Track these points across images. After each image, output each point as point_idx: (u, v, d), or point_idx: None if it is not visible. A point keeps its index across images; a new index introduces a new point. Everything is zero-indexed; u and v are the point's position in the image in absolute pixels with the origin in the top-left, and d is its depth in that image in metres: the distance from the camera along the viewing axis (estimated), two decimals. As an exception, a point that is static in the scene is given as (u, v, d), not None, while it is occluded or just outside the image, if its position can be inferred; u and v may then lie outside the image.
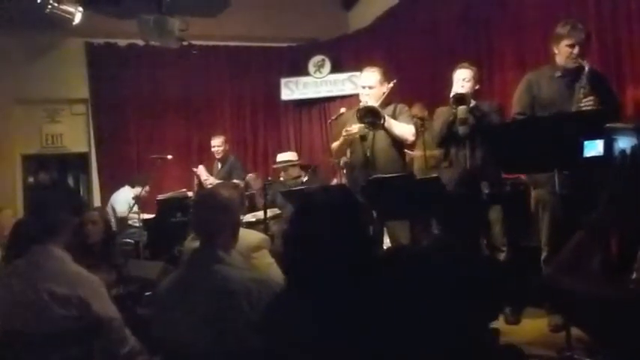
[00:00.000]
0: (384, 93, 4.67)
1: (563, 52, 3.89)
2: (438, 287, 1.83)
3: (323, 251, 1.72)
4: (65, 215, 2.76)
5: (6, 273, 2.67)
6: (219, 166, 7.58)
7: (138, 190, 7.83)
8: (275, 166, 6.53)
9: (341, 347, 1.64)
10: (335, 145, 4.82)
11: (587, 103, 3.64)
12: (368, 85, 4.67)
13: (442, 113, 4.55)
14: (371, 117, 4.47)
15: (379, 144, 4.59)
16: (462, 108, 4.31)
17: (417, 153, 5.33)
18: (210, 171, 7.51)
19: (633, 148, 1.54)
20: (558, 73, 3.94)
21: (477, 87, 4.51)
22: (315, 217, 1.81)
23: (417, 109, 5.94)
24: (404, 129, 4.58)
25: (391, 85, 4.72)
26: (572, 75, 3.87)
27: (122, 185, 8.10)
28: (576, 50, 3.84)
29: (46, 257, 2.60)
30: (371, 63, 5.03)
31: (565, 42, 3.87)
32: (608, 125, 1.66)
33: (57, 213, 2.73)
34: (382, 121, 4.45)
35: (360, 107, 4.52)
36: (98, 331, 2.57)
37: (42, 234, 2.66)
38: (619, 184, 1.49)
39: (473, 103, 4.34)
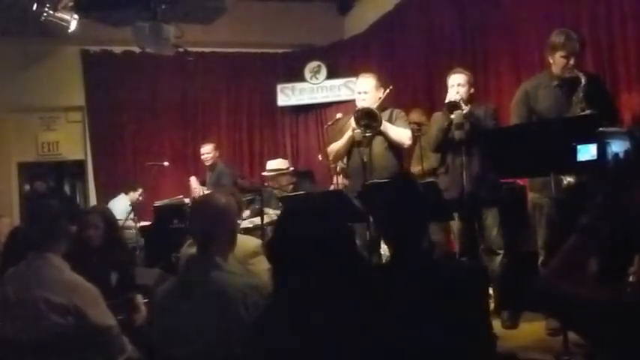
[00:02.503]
0: (379, 98, 4.69)
1: (558, 63, 3.88)
2: (432, 294, 1.83)
3: (310, 257, 1.72)
4: (65, 224, 2.76)
5: (2, 280, 2.66)
6: (210, 173, 7.60)
7: (133, 195, 7.87)
8: (265, 174, 6.52)
9: (331, 355, 1.64)
10: (333, 146, 4.82)
11: None
12: (363, 90, 4.70)
13: (438, 119, 4.55)
14: (368, 119, 4.49)
15: (376, 149, 4.60)
16: (457, 113, 4.31)
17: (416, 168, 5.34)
18: (203, 180, 7.52)
19: (626, 151, 1.55)
20: (555, 82, 3.92)
21: (471, 91, 4.50)
22: (302, 224, 1.81)
23: (415, 115, 5.94)
24: (400, 133, 4.60)
25: (387, 90, 4.73)
26: (568, 84, 3.84)
27: (118, 193, 8.12)
28: (572, 61, 3.82)
29: (43, 265, 2.60)
30: (367, 69, 5.06)
31: (560, 53, 3.85)
32: (601, 130, 1.67)
33: (57, 221, 2.73)
34: (379, 124, 4.47)
35: (358, 109, 4.54)
36: (95, 340, 2.57)
37: (41, 242, 2.65)
38: (613, 187, 1.50)
39: (466, 108, 4.31)
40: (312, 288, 1.70)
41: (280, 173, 6.34)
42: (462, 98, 4.31)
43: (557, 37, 3.88)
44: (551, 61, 3.94)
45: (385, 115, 4.64)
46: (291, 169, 6.73)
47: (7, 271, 2.71)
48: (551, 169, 3.24)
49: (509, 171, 3.75)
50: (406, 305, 1.77)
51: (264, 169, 9.27)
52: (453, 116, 4.32)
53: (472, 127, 4.28)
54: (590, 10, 4.91)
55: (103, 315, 2.61)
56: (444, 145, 4.44)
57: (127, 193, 7.99)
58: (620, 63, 4.66)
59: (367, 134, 4.54)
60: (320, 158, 6.04)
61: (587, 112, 3.62)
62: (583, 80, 3.73)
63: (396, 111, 4.78)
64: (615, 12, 4.69)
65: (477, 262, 4.39)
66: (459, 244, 4.52)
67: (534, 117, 3.95)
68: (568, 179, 3.56)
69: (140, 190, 8.00)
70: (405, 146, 4.71)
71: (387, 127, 4.57)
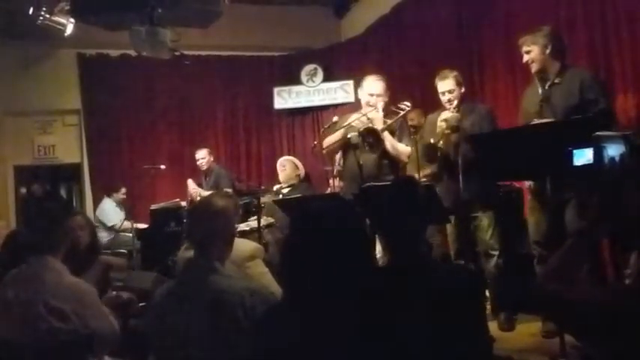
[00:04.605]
0: (385, 102, 4.66)
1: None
2: (429, 297, 1.84)
3: (321, 261, 1.73)
4: (65, 227, 2.76)
5: (2, 283, 2.65)
6: (207, 178, 7.62)
7: (116, 196, 7.94)
8: (284, 158, 6.58)
9: (337, 357, 1.65)
10: (329, 139, 4.79)
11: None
12: (376, 93, 4.65)
13: (431, 121, 4.57)
14: (372, 139, 4.46)
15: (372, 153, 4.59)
16: (453, 116, 4.32)
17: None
18: (199, 184, 7.54)
19: (622, 155, 1.56)
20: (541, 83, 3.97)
21: (462, 90, 4.45)
22: (313, 227, 1.81)
23: (414, 115, 5.95)
24: (401, 150, 4.58)
25: (405, 112, 4.64)
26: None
27: (102, 199, 8.17)
28: (527, 57, 3.91)
29: (43, 269, 2.59)
30: (363, 71, 5.02)
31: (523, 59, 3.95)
32: (597, 134, 1.68)
33: (56, 224, 2.72)
34: (382, 145, 4.44)
35: (363, 129, 4.48)
36: (94, 343, 2.56)
37: (41, 245, 2.64)
38: (609, 191, 1.51)
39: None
40: (323, 290, 1.71)
41: (296, 165, 6.40)
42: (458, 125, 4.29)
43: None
44: None
45: (394, 123, 4.62)
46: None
47: (7, 274, 2.70)
48: (547, 173, 3.25)
49: (505, 174, 3.75)
50: (403, 308, 1.78)
51: (260, 172, 9.36)
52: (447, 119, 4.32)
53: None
54: (584, 12, 4.92)
55: (103, 320, 2.60)
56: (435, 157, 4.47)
57: (109, 196, 8.08)
58: (615, 64, 4.67)
59: (368, 150, 4.51)
60: (313, 144, 5.88)
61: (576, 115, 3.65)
62: (540, 91, 3.80)
63: (402, 122, 4.75)
64: (611, 12, 4.71)
65: (473, 265, 4.40)
66: (453, 247, 4.52)
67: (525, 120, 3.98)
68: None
69: (123, 190, 8.08)
70: (402, 163, 4.69)
71: (393, 143, 4.54)
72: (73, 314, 2.49)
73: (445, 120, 4.28)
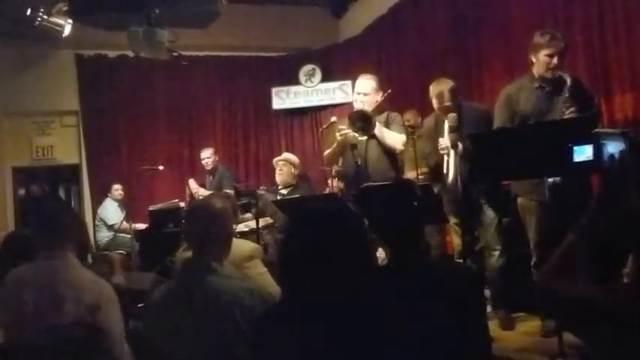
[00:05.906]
0: (377, 101, 4.65)
1: (542, 62, 3.86)
2: (429, 296, 1.83)
3: (320, 262, 1.72)
4: (82, 223, 2.77)
5: (10, 280, 2.63)
6: (210, 177, 7.61)
7: (113, 194, 7.95)
8: (280, 159, 6.55)
9: (336, 358, 1.64)
10: (328, 152, 4.78)
11: (569, 116, 3.61)
12: (363, 92, 4.61)
13: (429, 124, 4.56)
14: (362, 122, 4.44)
15: (371, 153, 4.56)
16: (451, 116, 4.30)
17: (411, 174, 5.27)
18: (202, 184, 7.53)
19: (621, 152, 1.56)
20: (536, 84, 3.92)
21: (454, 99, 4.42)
22: (312, 228, 1.81)
23: (409, 115, 5.96)
24: (395, 137, 4.52)
25: (385, 94, 4.67)
26: (550, 85, 3.85)
27: (104, 199, 8.19)
28: (555, 60, 3.81)
29: (65, 264, 2.57)
30: (362, 71, 5.01)
31: (544, 52, 3.84)
32: (596, 130, 1.69)
33: (75, 220, 2.72)
34: (373, 127, 4.41)
35: (353, 111, 4.48)
36: (105, 341, 2.54)
37: (60, 240, 2.62)
38: (608, 187, 1.51)
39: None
40: (322, 291, 1.70)
41: (293, 165, 6.38)
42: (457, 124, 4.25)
43: (541, 37, 3.88)
44: (534, 60, 3.93)
45: (381, 118, 4.59)
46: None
47: (10, 272, 2.68)
48: (547, 171, 3.25)
49: (504, 173, 3.74)
50: (403, 308, 1.78)
51: (259, 173, 9.35)
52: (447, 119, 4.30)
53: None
54: (582, 13, 4.93)
55: (118, 317, 2.60)
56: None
57: (108, 196, 8.09)
58: (613, 63, 4.68)
59: (359, 136, 4.50)
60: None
61: (572, 110, 3.63)
62: (569, 81, 3.73)
63: (393, 114, 4.71)
64: (608, 12, 4.71)
65: (474, 263, 4.38)
66: (457, 243, 4.51)
67: (517, 119, 3.95)
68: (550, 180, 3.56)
69: (115, 186, 8.09)
70: (398, 151, 4.64)
71: (382, 132, 4.50)
72: (95, 309, 2.48)
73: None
